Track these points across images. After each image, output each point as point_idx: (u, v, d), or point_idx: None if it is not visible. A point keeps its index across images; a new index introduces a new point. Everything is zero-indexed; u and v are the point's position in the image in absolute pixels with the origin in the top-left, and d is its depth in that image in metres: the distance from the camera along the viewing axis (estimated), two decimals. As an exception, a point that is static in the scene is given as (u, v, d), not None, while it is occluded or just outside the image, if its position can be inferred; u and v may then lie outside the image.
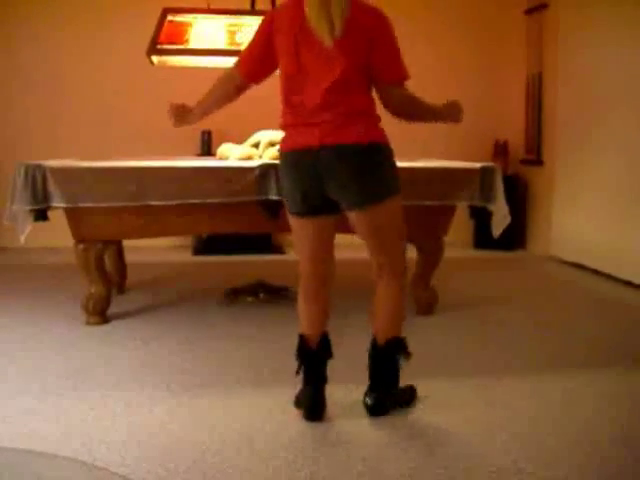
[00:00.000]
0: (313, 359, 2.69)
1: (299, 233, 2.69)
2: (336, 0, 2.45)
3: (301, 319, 2.73)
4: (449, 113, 2.75)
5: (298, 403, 2.72)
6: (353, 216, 2.60)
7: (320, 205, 2.61)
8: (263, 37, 2.62)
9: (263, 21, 2.66)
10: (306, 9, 2.48)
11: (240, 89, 2.75)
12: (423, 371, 3.17)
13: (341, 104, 2.51)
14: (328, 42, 2.46)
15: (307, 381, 2.69)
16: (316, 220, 2.64)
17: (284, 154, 2.63)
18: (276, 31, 2.57)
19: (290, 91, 2.58)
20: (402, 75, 2.58)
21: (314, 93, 2.51)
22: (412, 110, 2.66)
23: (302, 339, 2.70)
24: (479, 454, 2.38)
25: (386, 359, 2.71)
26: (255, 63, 2.68)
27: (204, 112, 2.87)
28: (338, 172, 2.51)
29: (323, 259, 2.70)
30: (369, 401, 2.70)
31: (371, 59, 2.52)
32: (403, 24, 4.32)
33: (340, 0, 2.46)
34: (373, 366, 2.73)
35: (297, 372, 2.71)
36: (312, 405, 2.66)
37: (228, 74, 2.74)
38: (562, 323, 4.10)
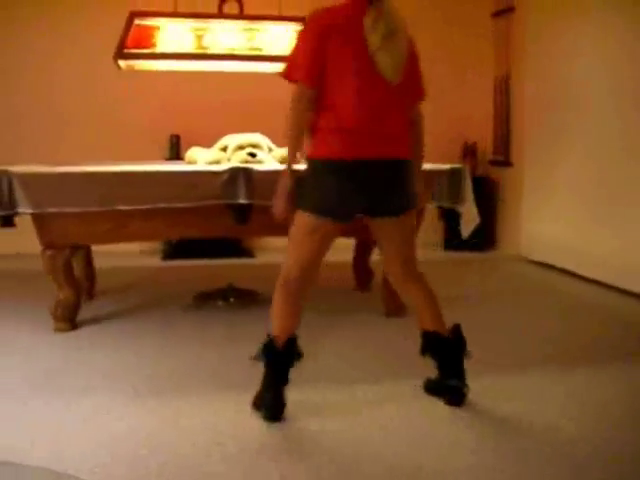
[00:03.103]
0: (278, 360, 2.68)
1: (311, 235, 2.66)
2: (400, 42, 2.64)
3: (277, 320, 2.71)
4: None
5: (257, 405, 2.72)
6: (389, 223, 2.76)
7: (352, 213, 2.72)
8: (320, 43, 2.58)
9: (315, 27, 2.62)
10: (368, 37, 2.58)
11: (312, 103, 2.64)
12: (390, 373, 3.18)
13: (388, 121, 2.69)
14: (393, 81, 2.65)
15: (270, 382, 2.69)
16: (336, 226, 2.69)
17: (332, 160, 2.62)
18: (329, 36, 2.57)
19: (354, 97, 2.60)
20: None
21: (370, 105, 2.63)
22: None
23: (271, 340, 2.69)
24: (447, 455, 2.41)
25: (458, 345, 2.83)
26: (320, 71, 2.60)
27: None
28: (384, 182, 2.69)
29: (317, 264, 2.74)
30: (463, 389, 2.80)
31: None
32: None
33: (402, 42, 2.66)
34: (449, 356, 2.82)
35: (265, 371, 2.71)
36: (274, 406, 2.67)
37: (306, 97, 2.60)
38: (528, 322, 4.15)
